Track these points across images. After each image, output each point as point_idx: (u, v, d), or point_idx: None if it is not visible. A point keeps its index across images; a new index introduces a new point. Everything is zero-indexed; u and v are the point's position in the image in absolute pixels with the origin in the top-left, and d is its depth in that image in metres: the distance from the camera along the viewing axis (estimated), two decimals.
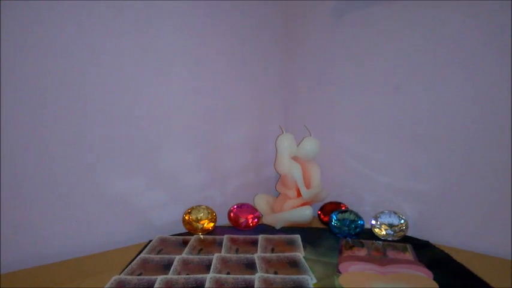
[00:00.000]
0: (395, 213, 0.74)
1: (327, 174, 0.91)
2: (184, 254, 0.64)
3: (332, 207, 0.84)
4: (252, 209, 0.82)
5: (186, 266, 0.59)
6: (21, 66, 0.59)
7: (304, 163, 0.85)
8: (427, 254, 0.66)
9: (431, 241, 0.72)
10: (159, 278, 0.53)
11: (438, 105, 0.73)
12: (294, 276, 0.54)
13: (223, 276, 0.55)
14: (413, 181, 0.78)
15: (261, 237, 0.72)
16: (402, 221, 0.73)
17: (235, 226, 0.81)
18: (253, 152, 0.98)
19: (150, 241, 0.71)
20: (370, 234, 0.75)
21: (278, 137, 0.87)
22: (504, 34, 0.64)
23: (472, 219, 0.70)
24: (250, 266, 0.59)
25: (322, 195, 0.88)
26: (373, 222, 0.75)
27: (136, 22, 0.72)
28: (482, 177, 0.68)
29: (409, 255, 0.64)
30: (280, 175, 0.88)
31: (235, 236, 0.73)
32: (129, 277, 0.54)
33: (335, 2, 0.90)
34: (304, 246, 0.68)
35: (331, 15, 0.91)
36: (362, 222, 0.75)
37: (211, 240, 0.72)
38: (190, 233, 0.76)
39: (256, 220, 0.80)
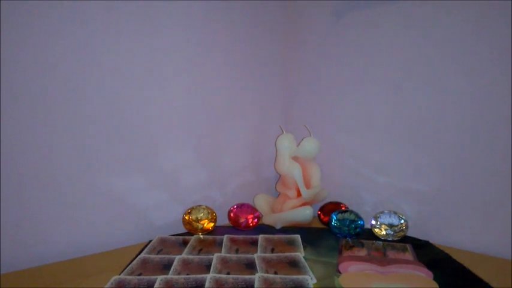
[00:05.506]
0: (395, 213, 0.74)
1: (327, 174, 0.91)
2: (184, 254, 0.64)
3: (332, 207, 0.84)
4: (252, 209, 0.82)
5: (186, 266, 0.59)
6: (21, 67, 0.59)
7: (304, 163, 0.85)
8: (427, 254, 0.66)
9: (431, 241, 0.72)
10: (159, 278, 0.53)
11: (438, 105, 0.73)
12: (294, 276, 0.54)
13: (223, 276, 0.55)
14: (413, 181, 0.78)
15: (261, 237, 0.72)
16: (402, 221, 0.73)
17: (235, 226, 0.81)
18: (253, 152, 0.98)
19: (150, 241, 0.71)
20: (370, 234, 0.75)
21: (278, 137, 0.87)
22: (504, 34, 0.64)
23: (472, 219, 0.70)
24: (250, 266, 0.59)
25: (322, 195, 0.88)
26: (373, 222, 0.75)
27: (136, 22, 0.72)
28: (482, 177, 0.68)
29: (409, 255, 0.64)
30: (280, 175, 0.88)
31: (235, 236, 0.73)
32: (129, 277, 0.54)
33: (335, 2, 0.90)
34: (304, 246, 0.68)
35: (331, 15, 0.91)
36: (362, 222, 0.75)
37: (211, 240, 0.72)
38: (190, 233, 0.76)
39: (256, 220, 0.80)
